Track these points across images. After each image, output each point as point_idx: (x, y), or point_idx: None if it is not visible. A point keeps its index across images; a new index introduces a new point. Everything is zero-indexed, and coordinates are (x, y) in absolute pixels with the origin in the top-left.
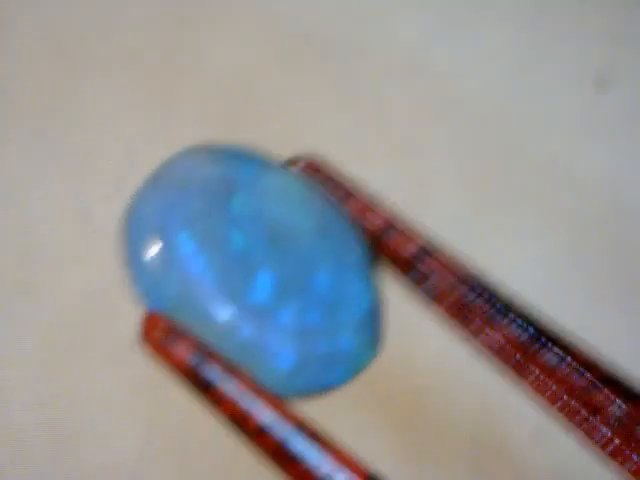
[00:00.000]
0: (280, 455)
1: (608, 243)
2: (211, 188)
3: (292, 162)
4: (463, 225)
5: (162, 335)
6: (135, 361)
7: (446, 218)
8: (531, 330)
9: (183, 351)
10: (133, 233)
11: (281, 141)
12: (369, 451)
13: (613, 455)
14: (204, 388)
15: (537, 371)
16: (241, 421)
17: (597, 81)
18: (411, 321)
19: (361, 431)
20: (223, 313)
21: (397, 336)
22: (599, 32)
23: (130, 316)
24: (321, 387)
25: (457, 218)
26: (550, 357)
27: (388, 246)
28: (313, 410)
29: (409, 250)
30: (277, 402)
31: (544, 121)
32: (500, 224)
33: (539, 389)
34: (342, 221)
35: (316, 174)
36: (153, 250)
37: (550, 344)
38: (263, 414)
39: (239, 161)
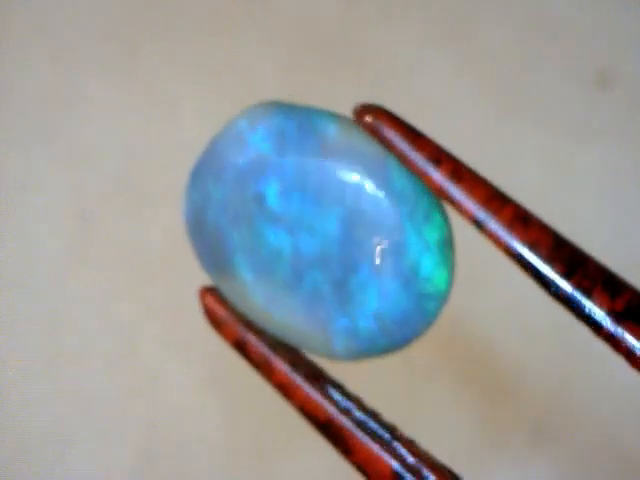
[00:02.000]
0: (327, 430)
1: (607, 243)
2: (244, 180)
3: (358, 113)
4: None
5: (215, 311)
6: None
7: None
8: None
9: (233, 327)
10: (190, 210)
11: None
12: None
13: None
14: (254, 363)
15: None
16: (289, 396)
17: (597, 81)
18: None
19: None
20: (276, 307)
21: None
22: (599, 32)
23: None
24: (374, 356)
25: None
26: None
27: (453, 199)
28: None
29: (475, 205)
30: (316, 386)
31: (543, 121)
32: None
33: None
34: (400, 183)
35: (381, 125)
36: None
37: None
38: (306, 394)
39: (284, 141)
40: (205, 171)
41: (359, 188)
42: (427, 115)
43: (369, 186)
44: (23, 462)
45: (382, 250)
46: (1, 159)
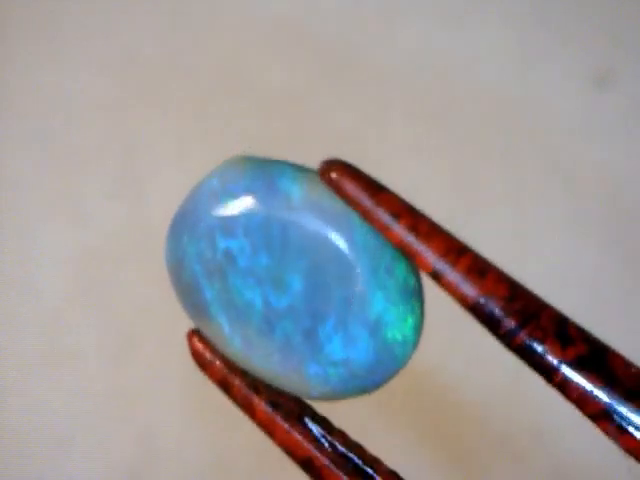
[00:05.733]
0: (307, 467)
1: (607, 242)
2: (214, 236)
3: (322, 170)
4: (453, 225)
5: (201, 351)
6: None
7: (438, 219)
8: None
9: (217, 368)
10: (169, 260)
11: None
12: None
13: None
14: (237, 402)
15: None
16: (271, 434)
17: (597, 81)
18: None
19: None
20: (250, 358)
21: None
22: (599, 32)
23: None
24: (349, 397)
25: (445, 220)
26: None
27: (416, 254)
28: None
29: (437, 256)
30: (296, 425)
31: (544, 121)
32: (499, 223)
33: None
34: (361, 237)
35: (344, 182)
36: (184, 280)
37: None
38: (286, 433)
39: (252, 199)
40: (181, 225)
41: (323, 243)
42: (426, 118)
43: (332, 241)
44: (23, 462)
45: (347, 301)
46: (1, 159)
